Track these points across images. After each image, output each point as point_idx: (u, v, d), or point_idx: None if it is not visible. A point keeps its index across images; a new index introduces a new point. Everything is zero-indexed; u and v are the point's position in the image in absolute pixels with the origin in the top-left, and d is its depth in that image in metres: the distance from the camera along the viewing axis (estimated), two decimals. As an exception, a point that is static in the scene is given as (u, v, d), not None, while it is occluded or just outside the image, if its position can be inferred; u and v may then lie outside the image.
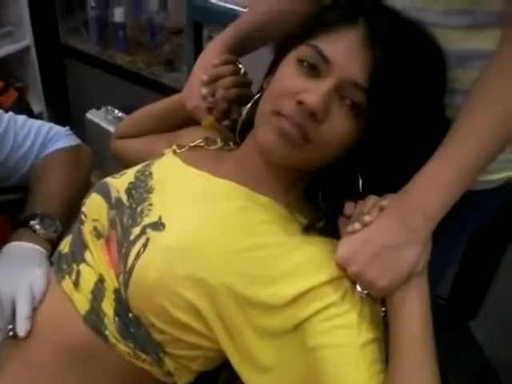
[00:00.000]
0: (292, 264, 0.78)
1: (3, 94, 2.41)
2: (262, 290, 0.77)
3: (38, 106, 2.68)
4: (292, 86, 0.80)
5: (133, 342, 0.82)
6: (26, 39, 2.49)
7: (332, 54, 0.78)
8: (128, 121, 1.24)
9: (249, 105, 0.95)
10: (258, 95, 0.93)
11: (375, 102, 0.77)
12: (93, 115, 2.16)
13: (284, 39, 0.90)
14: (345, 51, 0.78)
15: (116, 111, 2.10)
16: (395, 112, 0.78)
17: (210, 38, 2.01)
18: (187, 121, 1.10)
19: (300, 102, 0.77)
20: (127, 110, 2.14)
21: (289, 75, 0.82)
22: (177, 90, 1.14)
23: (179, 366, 0.85)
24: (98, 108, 2.19)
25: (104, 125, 2.10)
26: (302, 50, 0.81)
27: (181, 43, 2.30)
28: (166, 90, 2.21)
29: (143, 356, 0.83)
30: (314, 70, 0.79)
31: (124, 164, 1.18)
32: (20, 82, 2.65)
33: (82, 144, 1.24)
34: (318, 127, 0.78)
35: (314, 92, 0.76)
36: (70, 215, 1.06)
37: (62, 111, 2.90)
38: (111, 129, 2.06)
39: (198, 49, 2.06)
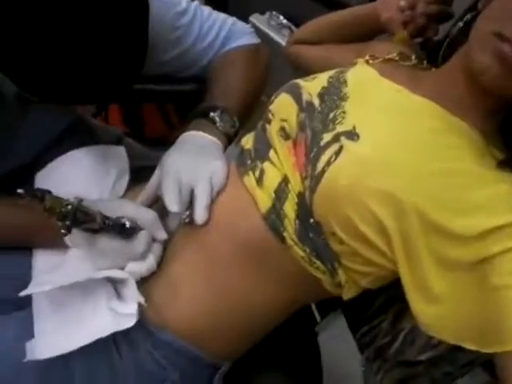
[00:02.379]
0: (485, 197, 0.73)
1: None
2: (452, 218, 0.72)
3: (196, 5, 2.68)
4: None
5: (310, 247, 0.81)
6: None
7: None
8: (311, 25, 1.19)
9: (461, 24, 0.88)
10: (470, 14, 0.86)
11: None
12: (256, 19, 2.12)
13: None
14: None
15: (281, 17, 2.05)
16: None
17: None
18: (373, 33, 1.06)
19: None
20: (290, 18, 2.10)
21: None
22: (341, 4, 1.09)
23: (350, 279, 0.84)
24: (262, 13, 2.15)
25: (267, 30, 2.06)
26: None
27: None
28: (329, 2, 2.14)
29: (317, 263, 0.82)
30: None
31: (298, 69, 1.16)
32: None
33: (261, 43, 1.21)
34: None
35: None
36: (246, 112, 1.07)
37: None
38: (273, 34, 2.03)
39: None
